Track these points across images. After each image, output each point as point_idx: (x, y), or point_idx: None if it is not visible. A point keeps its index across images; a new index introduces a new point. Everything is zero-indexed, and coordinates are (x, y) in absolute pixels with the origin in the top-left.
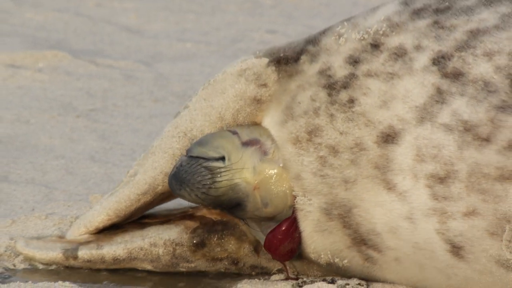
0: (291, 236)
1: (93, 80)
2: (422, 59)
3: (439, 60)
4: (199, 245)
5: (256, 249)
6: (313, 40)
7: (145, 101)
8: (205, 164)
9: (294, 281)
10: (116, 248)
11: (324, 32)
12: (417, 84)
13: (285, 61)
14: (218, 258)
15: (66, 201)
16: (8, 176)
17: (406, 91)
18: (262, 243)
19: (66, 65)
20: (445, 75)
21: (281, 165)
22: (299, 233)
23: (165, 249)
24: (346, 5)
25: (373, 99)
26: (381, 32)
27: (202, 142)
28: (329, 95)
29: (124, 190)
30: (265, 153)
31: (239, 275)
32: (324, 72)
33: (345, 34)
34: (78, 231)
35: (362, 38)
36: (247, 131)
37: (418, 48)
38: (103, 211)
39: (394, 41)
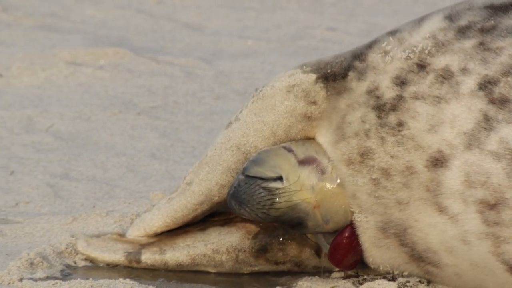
0: (354, 250)
1: (154, 77)
2: (469, 83)
3: (485, 85)
4: (261, 251)
5: (317, 252)
6: (360, 56)
7: (206, 98)
8: (264, 184)
9: (355, 279)
10: (179, 255)
11: (370, 47)
12: (464, 109)
13: (333, 77)
14: (280, 261)
15: (126, 199)
16: (69, 174)
17: (453, 116)
18: (325, 251)
19: (127, 63)
20: (491, 101)
21: (338, 181)
22: (361, 246)
23: (228, 255)
24: (408, 2)
25: (421, 123)
26: (426, 51)
27: (258, 161)
28: (379, 117)
29: (181, 199)
30: (322, 171)
31: (300, 272)
32: (372, 93)
33: (391, 52)
34: (137, 232)
35: (408, 57)
36: (303, 149)
37: (464, 71)
38: (161, 218)
39: (440, 62)
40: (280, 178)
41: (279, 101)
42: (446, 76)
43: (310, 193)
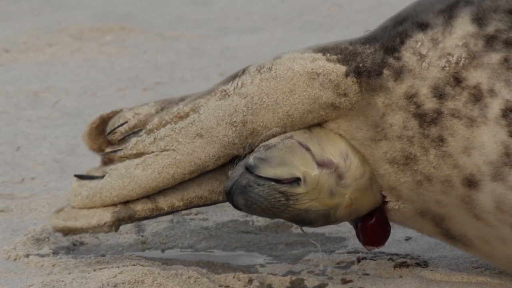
0: (386, 232)
1: (160, 53)
2: (495, 108)
3: (507, 113)
4: None
5: None
6: (393, 52)
7: (212, 74)
8: (282, 189)
9: (357, 254)
10: (174, 200)
11: (402, 42)
12: (490, 138)
13: (367, 74)
14: None
15: None
16: (75, 149)
17: (481, 143)
18: (354, 227)
19: (133, 38)
20: (511, 134)
21: (364, 179)
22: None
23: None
24: None
25: (458, 143)
26: (461, 64)
27: (270, 160)
28: (421, 126)
29: (168, 170)
30: (340, 177)
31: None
32: (412, 99)
33: (427, 57)
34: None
35: (444, 66)
36: (319, 149)
37: (491, 92)
38: (138, 189)
39: (472, 77)
40: (296, 180)
41: (300, 86)
42: (477, 96)
43: (328, 197)
